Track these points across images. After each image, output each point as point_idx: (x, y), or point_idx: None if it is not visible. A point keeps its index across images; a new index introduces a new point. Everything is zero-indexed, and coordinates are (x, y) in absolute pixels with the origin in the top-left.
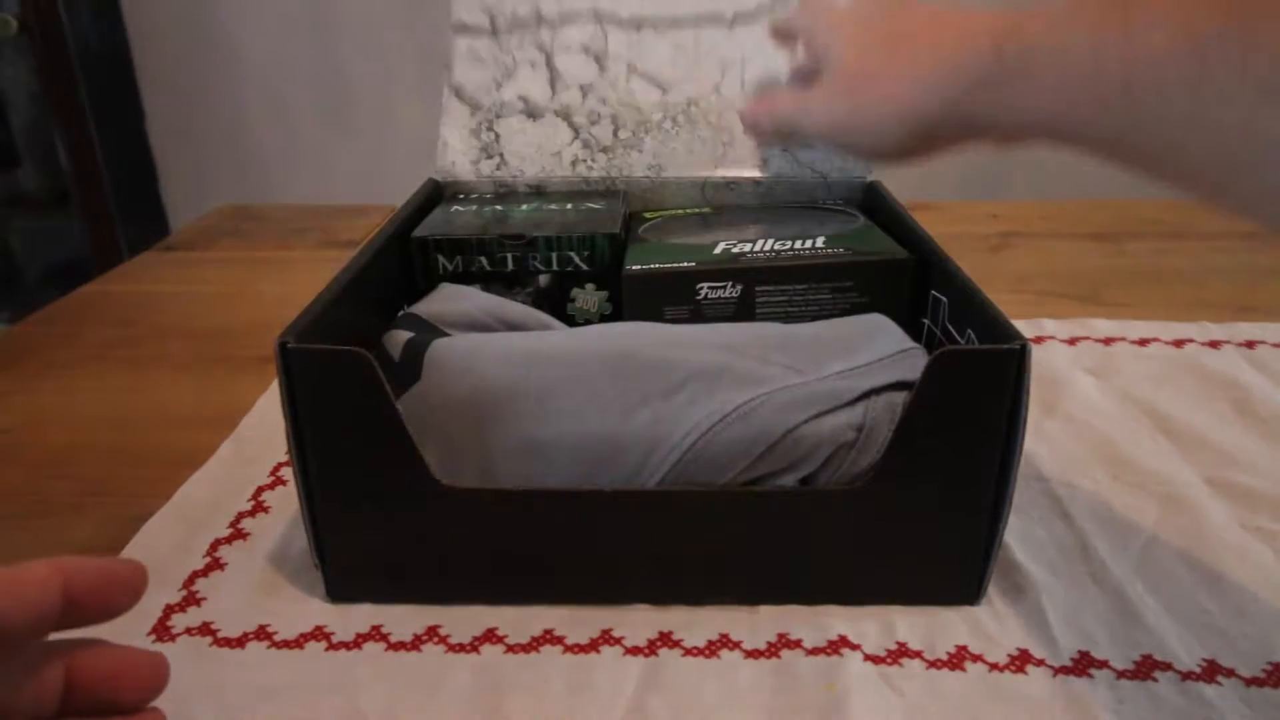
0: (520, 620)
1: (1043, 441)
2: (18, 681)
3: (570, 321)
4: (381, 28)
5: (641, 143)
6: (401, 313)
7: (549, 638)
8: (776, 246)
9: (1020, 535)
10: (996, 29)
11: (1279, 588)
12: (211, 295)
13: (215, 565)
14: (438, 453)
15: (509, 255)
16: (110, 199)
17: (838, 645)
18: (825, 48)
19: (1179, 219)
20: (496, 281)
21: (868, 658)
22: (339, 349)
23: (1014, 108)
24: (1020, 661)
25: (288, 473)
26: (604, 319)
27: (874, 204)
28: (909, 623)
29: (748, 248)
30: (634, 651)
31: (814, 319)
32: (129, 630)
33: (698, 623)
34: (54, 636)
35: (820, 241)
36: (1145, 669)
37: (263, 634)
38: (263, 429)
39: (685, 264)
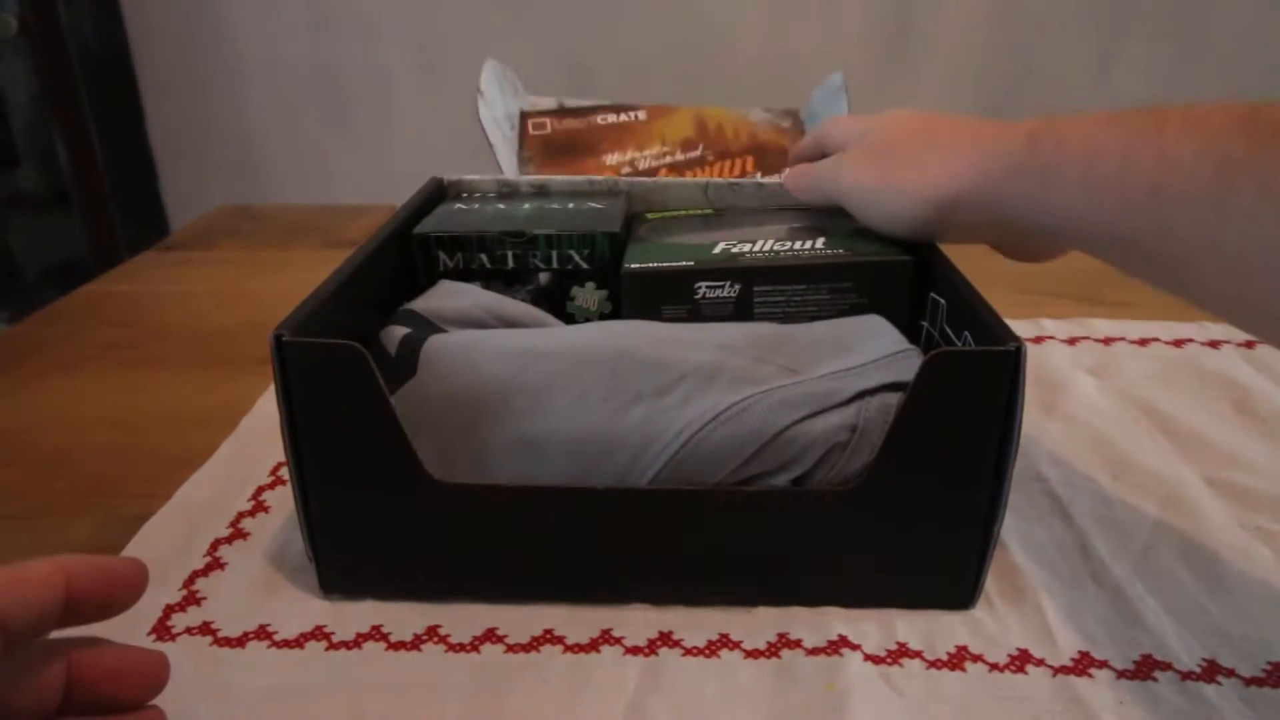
0: (520, 620)
1: (1043, 441)
2: (19, 679)
3: (570, 319)
4: (381, 28)
5: None
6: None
7: (549, 637)
8: (776, 247)
9: (1020, 535)
10: (1035, 126)
11: (1279, 588)
12: (211, 295)
13: (215, 565)
14: (432, 448)
15: (509, 253)
16: (110, 199)
17: (838, 645)
18: (860, 136)
19: None
20: (497, 279)
21: (868, 658)
22: (334, 343)
23: (1042, 202)
24: (1020, 661)
25: (287, 473)
26: (604, 317)
27: None
28: (909, 623)
29: (747, 248)
30: (634, 651)
31: (812, 319)
32: (129, 629)
33: (698, 622)
34: (55, 634)
35: (819, 242)
36: (1145, 669)
37: (263, 633)
38: (263, 429)
39: (684, 263)
